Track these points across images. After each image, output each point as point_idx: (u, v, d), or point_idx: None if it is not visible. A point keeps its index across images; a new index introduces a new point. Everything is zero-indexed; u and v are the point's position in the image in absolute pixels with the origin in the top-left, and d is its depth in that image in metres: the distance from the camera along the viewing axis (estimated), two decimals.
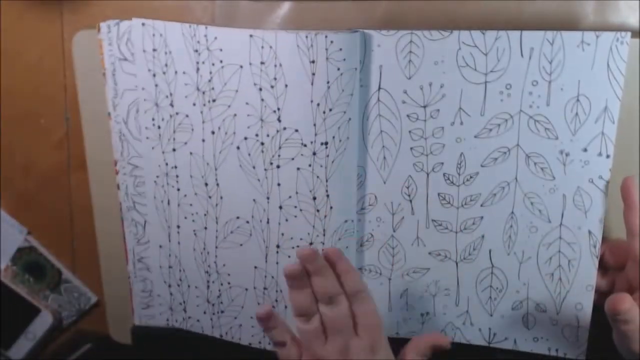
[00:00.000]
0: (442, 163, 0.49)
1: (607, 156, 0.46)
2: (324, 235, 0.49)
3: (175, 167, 0.52)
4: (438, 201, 0.50)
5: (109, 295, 0.59)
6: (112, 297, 0.59)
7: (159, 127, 0.52)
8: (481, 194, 0.49)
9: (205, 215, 0.52)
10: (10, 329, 0.61)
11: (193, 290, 0.55)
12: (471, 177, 0.49)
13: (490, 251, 0.50)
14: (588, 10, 0.48)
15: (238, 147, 0.49)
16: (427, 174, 0.49)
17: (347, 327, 0.44)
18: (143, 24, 0.50)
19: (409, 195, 0.50)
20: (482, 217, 0.50)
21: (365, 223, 0.51)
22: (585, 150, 0.47)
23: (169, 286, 0.56)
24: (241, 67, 0.47)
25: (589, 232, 0.48)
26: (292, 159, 0.48)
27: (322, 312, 0.44)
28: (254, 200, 0.50)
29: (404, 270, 0.52)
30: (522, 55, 0.46)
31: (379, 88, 0.48)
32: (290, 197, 0.49)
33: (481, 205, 0.49)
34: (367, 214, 0.51)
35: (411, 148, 0.49)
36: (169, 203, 0.53)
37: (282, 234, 0.50)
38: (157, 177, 0.53)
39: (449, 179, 0.49)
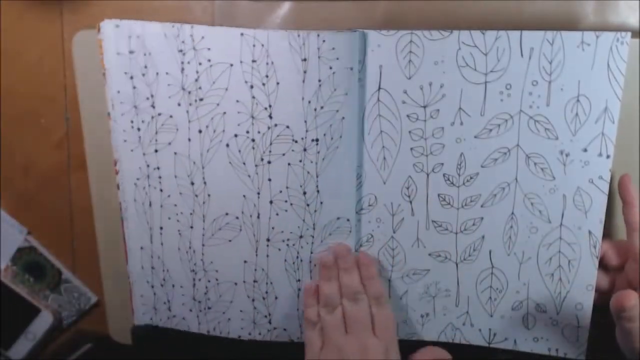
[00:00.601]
0: (442, 163, 0.49)
1: (607, 156, 0.46)
2: (314, 229, 0.51)
3: (158, 168, 0.52)
4: (438, 202, 0.50)
5: (109, 295, 0.59)
6: (112, 297, 0.59)
7: (138, 129, 0.52)
8: (481, 195, 0.49)
9: (191, 214, 0.53)
10: (10, 329, 0.61)
11: (178, 290, 0.55)
12: (471, 178, 0.49)
13: (490, 252, 0.50)
14: (588, 10, 0.48)
15: (227, 145, 0.50)
16: (427, 175, 0.49)
17: (366, 326, 0.47)
18: (117, 26, 0.50)
19: (409, 196, 0.50)
20: (482, 218, 0.49)
21: (365, 223, 0.51)
22: (585, 150, 0.47)
23: (152, 287, 0.56)
24: (231, 65, 0.48)
25: (589, 232, 0.48)
26: (283, 154, 0.49)
27: (344, 306, 0.48)
28: (244, 196, 0.51)
29: (404, 272, 0.52)
30: (522, 55, 0.46)
31: (379, 88, 0.48)
32: (280, 191, 0.50)
33: (481, 206, 0.49)
34: (367, 215, 0.51)
35: (411, 148, 0.49)
36: (150, 205, 0.54)
37: (273, 228, 0.51)
38: (138, 179, 0.54)
39: (449, 179, 0.49)
